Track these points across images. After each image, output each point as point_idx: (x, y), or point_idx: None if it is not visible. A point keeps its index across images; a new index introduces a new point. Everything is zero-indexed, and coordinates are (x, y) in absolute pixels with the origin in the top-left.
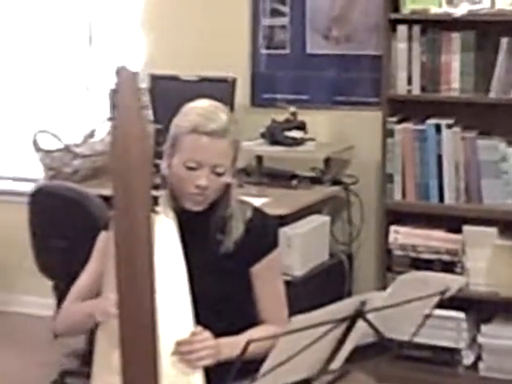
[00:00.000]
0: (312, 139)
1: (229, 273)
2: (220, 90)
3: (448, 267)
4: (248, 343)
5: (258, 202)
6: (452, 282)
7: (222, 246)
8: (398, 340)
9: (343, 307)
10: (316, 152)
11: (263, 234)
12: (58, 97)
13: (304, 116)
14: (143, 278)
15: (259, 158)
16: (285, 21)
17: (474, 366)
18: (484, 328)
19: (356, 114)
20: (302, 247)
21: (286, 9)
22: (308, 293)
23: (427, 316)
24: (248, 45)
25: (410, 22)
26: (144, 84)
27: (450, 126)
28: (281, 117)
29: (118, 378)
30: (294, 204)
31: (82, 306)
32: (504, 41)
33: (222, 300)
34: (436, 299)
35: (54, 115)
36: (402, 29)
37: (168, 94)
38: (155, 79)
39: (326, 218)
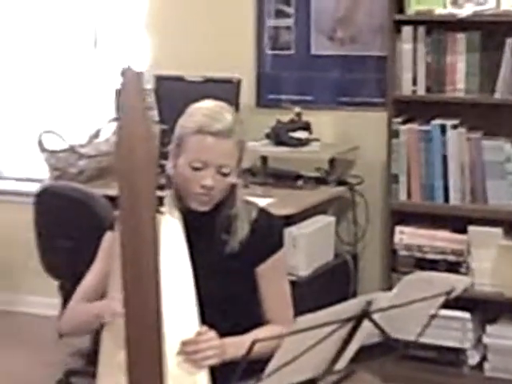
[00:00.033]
0: (317, 140)
1: (234, 273)
2: (225, 90)
3: (453, 267)
4: (253, 343)
5: (263, 202)
6: (457, 283)
7: (227, 246)
8: (403, 340)
9: (349, 307)
10: (321, 152)
11: (268, 234)
12: (63, 97)
13: (309, 116)
14: (149, 278)
15: (264, 159)
16: (290, 22)
17: (480, 366)
18: (489, 328)
19: (361, 115)
20: (307, 247)
21: (290, 10)
22: (313, 293)
23: (433, 316)
24: (253, 46)
25: (414, 22)
26: (149, 85)
27: (455, 127)
28: (286, 117)
29: (124, 378)
30: (299, 204)
31: (88, 307)
32: (509, 41)
33: (227, 300)
34: (442, 299)
35: (59, 116)
36: (406, 30)
37: (173, 94)
38: (160, 80)
39: (331, 219)
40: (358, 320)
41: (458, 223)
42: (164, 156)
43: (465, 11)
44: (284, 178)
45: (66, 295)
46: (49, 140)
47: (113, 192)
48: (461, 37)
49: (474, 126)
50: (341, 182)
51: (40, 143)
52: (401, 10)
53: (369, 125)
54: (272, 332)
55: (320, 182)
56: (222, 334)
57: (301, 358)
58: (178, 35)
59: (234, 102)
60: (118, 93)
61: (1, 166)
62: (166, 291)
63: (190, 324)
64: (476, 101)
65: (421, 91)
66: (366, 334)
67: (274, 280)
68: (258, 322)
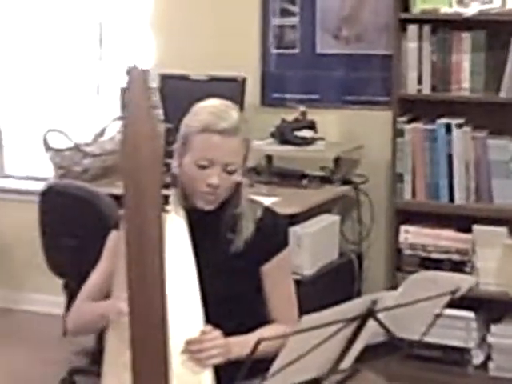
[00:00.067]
0: (322, 139)
1: (239, 272)
2: (230, 89)
3: (458, 267)
4: (258, 342)
5: (268, 201)
6: (462, 282)
7: (232, 245)
8: (408, 339)
9: (354, 306)
10: (326, 151)
11: (273, 233)
12: (68, 96)
13: (314, 115)
14: (154, 277)
15: (269, 158)
16: (295, 20)
17: (484, 365)
18: (494, 328)
19: (366, 114)
20: (311, 246)
21: (295, 8)
22: (317, 292)
23: (438, 316)
24: (258, 44)
25: (420, 21)
26: (154, 84)
27: (460, 126)
28: (291, 116)
29: (129, 377)
30: (304, 203)
31: (93, 307)
32: None
33: (232, 299)
34: (446, 299)
35: (64, 114)
36: (412, 28)
37: (178, 93)
38: (165, 79)
39: (336, 218)
40: (362, 319)
41: (463, 222)
42: (169, 155)
43: (470, 10)
44: (289, 177)
45: (71, 294)
46: (54, 138)
47: (118, 191)
48: (466, 36)
49: (479, 125)
50: (346, 181)
51: (45, 142)
52: (406, 9)
53: (374, 124)
54: (277, 331)
55: (325, 180)
56: (227, 333)
57: (305, 357)
58: (183, 34)
59: (239, 101)
60: (124, 91)
61: (6, 164)
62: (170, 290)
63: (194, 323)
64: (481, 100)
65: (426, 90)
66: (370, 333)
67: (278, 279)
68: (263, 321)
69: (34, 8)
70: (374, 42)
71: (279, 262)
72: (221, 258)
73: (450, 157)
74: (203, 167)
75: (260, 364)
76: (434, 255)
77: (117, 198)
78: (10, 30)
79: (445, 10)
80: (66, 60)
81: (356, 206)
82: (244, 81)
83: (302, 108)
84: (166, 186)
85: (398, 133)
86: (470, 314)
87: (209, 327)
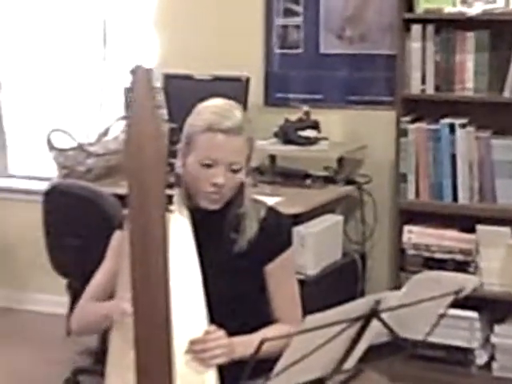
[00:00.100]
0: (325, 138)
1: (243, 272)
2: (233, 89)
3: (461, 267)
4: (262, 342)
5: (271, 201)
6: (466, 282)
7: (235, 245)
8: (411, 339)
9: (357, 306)
10: (329, 151)
11: (277, 233)
12: (72, 96)
13: (317, 115)
14: (158, 277)
15: (272, 158)
16: (298, 20)
17: (488, 365)
18: (497, 328)
19: (369, 114)
20: (315, 246)
21: (299, 8)
22: (321, 292)
23: (442, 316)
24: (262, 44)
25: (424, 21)
26: (158, 83)
27: (463, 126)
28: (294, 116)
29: (133, 378)
30: (308, 203)
31: (97, 307)
32: None
33: (235, 299)
34: (450, 299)
35: (67, 114)
36: (416, 28)
37: (182, 93)
38: (169, 78)
39: (340, 218)
40: (366, 319)
41: (467, 222)
42: (173, 154)
43: (474, 10)
44: (292, 177)
45: (75, 294)
46: (57, 138)
47: (121, 190)
48: (470, 35)
49: (483, 125)
50: (349, 181)
51: (49, 141)
52: (410, 9)
53: (377, 124)
54: (280, 331)
55: (328, 180)
56: (231, 333)
57: (309, 357)
58: (187, 34)
59: (243, 101)
60: (127, 91)
61: (10, 164)
62: (174, 290)
63: (198, 323)
64: (485, 100)
65: (429, 90)
66: (374, 333)
67: (282, 279)
68: (267, 321)
69: (37, 7)
70: (377, 42)
71: (283, 261)
72: (224, 257)
73: (453, 157)
74: (207, 167)
75: (264, 364)
76: (438, 255)
77: (121, 197)
78: (14, 30)
79: (448, 9)
80: (70, 60)
81: (359, 206)
82: (247, 80)
83: (305, 108)
84: (170, 186)
85: (402, 133)
86: (474, 314)
87: (212, 327)
